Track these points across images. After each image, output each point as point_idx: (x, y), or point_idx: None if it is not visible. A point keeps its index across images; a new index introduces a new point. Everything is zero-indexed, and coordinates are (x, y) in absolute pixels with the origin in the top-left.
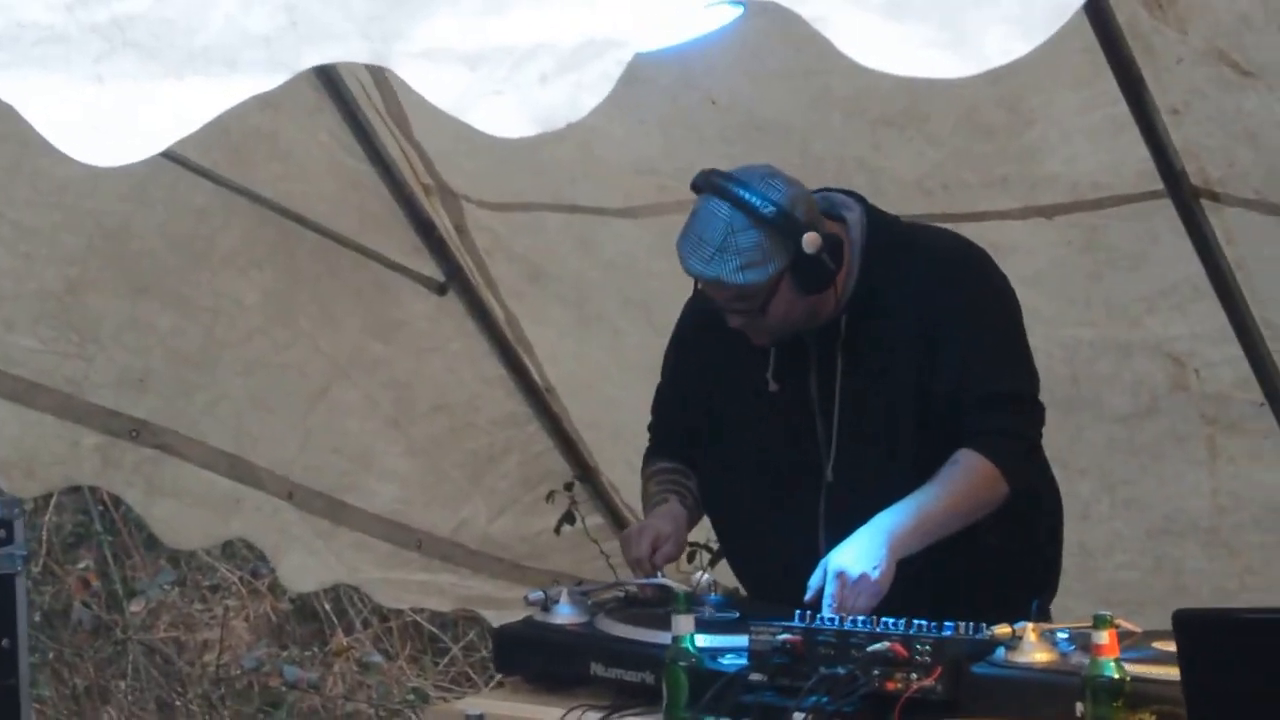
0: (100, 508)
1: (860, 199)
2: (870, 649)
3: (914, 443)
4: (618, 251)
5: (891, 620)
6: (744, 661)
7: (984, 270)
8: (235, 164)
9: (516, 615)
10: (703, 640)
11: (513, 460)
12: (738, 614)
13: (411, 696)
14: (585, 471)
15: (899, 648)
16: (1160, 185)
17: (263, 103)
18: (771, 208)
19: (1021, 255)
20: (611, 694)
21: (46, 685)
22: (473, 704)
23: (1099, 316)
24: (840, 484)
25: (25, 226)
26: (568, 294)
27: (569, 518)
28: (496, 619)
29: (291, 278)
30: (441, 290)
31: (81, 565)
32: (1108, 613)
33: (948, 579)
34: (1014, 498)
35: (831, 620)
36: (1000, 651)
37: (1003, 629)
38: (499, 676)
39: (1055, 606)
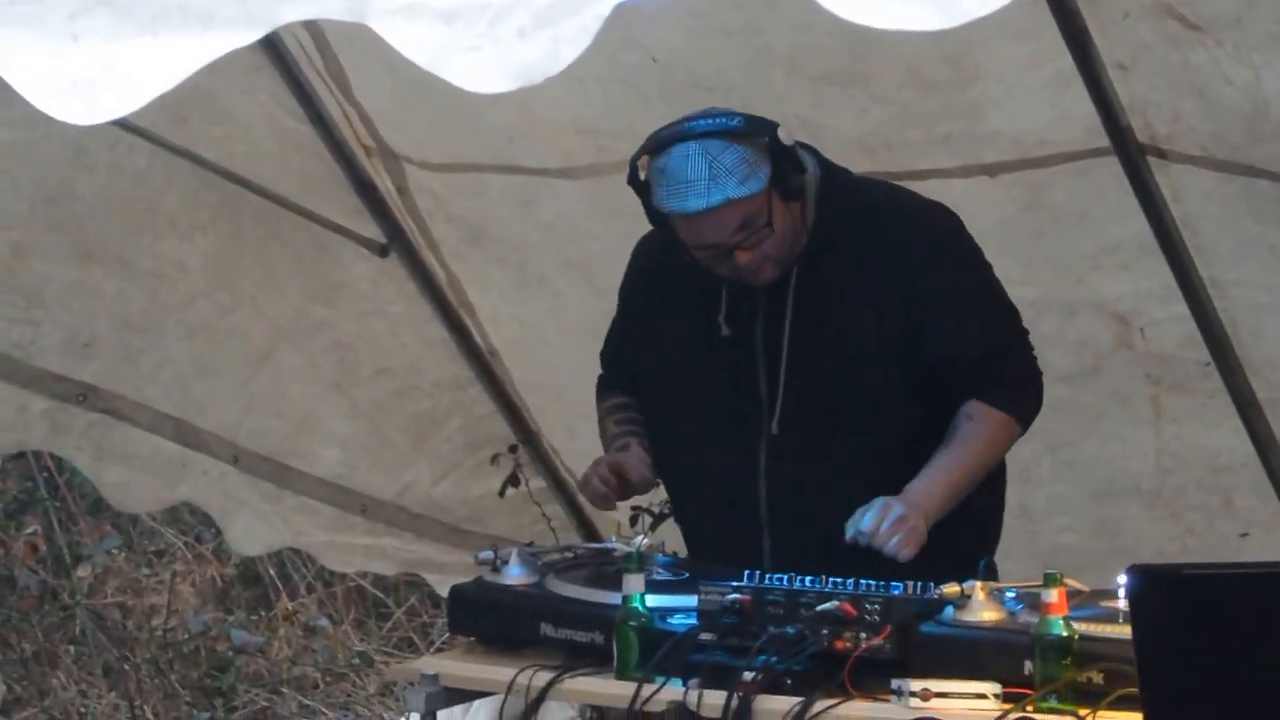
0: (45, 474)
1: (814, 151)
2: (819, 608)
3: (868, 395)
4: (557, 213)
5: (840, 580)
6: (694, 621)
7: (954, 226)
8: (175, 126)
9: (460, 579)
10: (652, 600)
11: (455, 423)
12: (687, 574)
13: (357, 660)
14: (527, 435)
15: (848, 607)
16: (1106, 142)
17: None
18: (734, 120)
19: (965, 214)
20: (562, 654)
21: None
22: (429, 664)
23: (1043, 275)
24: (786, 436)
25: None
26: (508, 256)
27: (514, 480)
28: (440, 583)
29: (234, 241)
30: (383, 252)
31: (29, 531)
32: (1056, 571)
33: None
34: None
35: (780, 580)
36: (949, 611)
37: (951, 588)
38: (444, 639)
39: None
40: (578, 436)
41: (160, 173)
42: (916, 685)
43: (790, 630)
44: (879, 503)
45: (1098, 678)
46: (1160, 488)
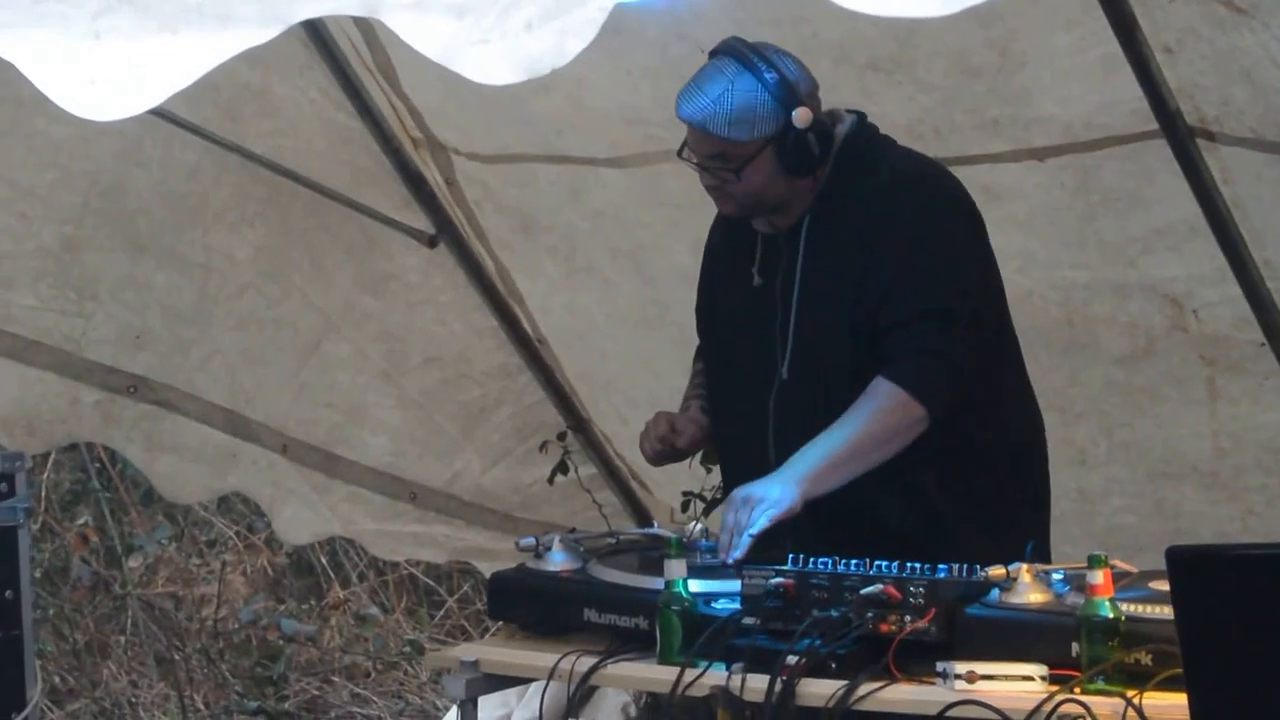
0: (97, 465)
1: (861, 115)
2: (864, 591)
3: (848, 352)
4: (606, 202)
5: (885, 563)
6: (737, 605)
7: (934, 187)
8: (226, 121)
9: (510, 566)
10: (696, 585)
11: (505, 412)
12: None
13: (408, 649)
14: (578, 423)
15: (893, 590)
16: (1154, 125)
17: (252, 60)
18: (774, 75)
19: (1015, 198)
20: (605, 639)
21: (48, 641)
22: (469, 650)
23: (1094, 258)
24: (793, 382)
25: (22, 186)
26: (558, 245)
27: (563, 467)
28: (490, 570)
29: (283, 233)
30: (432, 243)
31: (80, 522)
32: (1102, 553)
33: (935, 518)
34: (998, 442)
35: (824, 563)
36: (995, 593)
37: (997, 570)
38: (498, 627)
39: (1052, 552)
40: (629, 423)
41: (211, 167)
42: (962, 668)
43: (834, 613)
44: (738, 501)
45: (1146, 659)
46: (1218, 469)
